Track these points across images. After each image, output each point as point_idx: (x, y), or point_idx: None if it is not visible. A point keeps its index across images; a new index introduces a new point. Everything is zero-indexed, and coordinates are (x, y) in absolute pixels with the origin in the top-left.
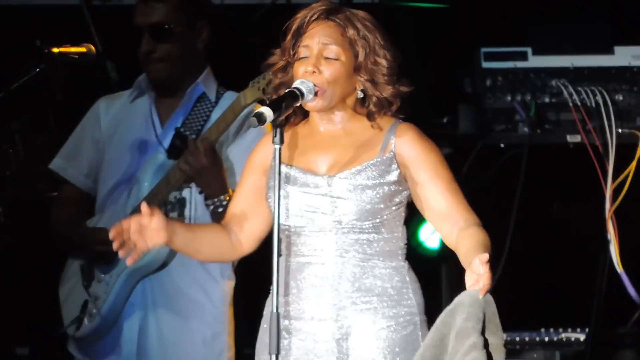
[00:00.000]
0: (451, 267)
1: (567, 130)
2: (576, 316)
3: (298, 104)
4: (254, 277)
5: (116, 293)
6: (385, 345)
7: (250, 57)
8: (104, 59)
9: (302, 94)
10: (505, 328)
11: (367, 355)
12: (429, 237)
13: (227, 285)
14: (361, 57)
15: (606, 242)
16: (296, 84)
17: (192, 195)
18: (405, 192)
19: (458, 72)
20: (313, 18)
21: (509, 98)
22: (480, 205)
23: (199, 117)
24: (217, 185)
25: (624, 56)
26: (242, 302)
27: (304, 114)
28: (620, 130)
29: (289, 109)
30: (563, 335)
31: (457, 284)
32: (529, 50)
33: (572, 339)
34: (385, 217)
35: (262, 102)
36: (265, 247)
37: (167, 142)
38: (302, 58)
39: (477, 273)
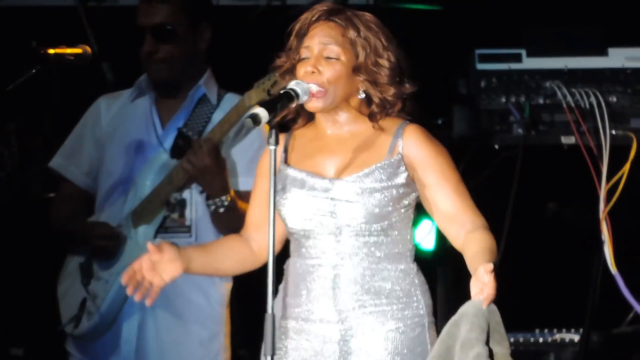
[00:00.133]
0: (446, 268)
1: (562, 131)
2: (570, 317)
3: (293, 105)
4: (250, 278)
5: (115, 292)
6: (393, 347)
7: (245, 58)
8: (100, 60)
9: (297, 95)
10: None
11: (375, 356)
12: (424, 239)
13: (225, 287)
14: (362, 58)
15: (600, 243)
16: (291, 85)
17: (193, 196)
18: (413, 194)
19: (452, 73)
20: (314, 19)
21: (503, 99)
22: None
23: (201, 119)
24: (219, 185)
25: (618, 58)
26: (238, 304)
27: (309, 116)
28: (614, 132)
29: (284, 110)
30: (557, 336)
31: (452, 285)
32: (523, 52)
33: (567, 340)
34: (393, 219)
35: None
36: None
37: (168, 143)
38: (303, 59)
39: (482, 282)
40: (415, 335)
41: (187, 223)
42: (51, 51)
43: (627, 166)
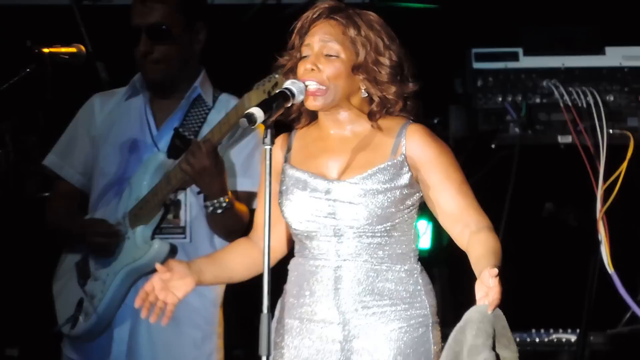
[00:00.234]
0: (441, 267)
1: (558, 130)
2: (567, 317)
3: (289, 105)
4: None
5: (113, 292)
6: (396, 347)
7: (240, 58)
8: (94, 59)
9: (293, 95)
10: None
11: (378, 357)
12: (420, 238)
13: (219, 287)
14: (362, 56)
15: (597, 243)
16: (287, 84)
17: (187, 197)
18: (417, 194)
19: (449, 72)
20: (315, 17)
21: (500, 99)
22: None
23: (196, 120)
24: (217, 186)
25: (615, 56)
26: (234, 304)
27: (312, 115)
28: (611, 131)
29: (279, 110)
30: (554, 336)
31: (448, 284)
32: (519, 50)
33: (564, 340)
34: (397, 220)
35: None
36: None
37: (162, 143)
38: (304, 57)
39: (487, 286)
40: (419, 335)
41: (182, 224)
42: (45, 50)
43: (624, 165)
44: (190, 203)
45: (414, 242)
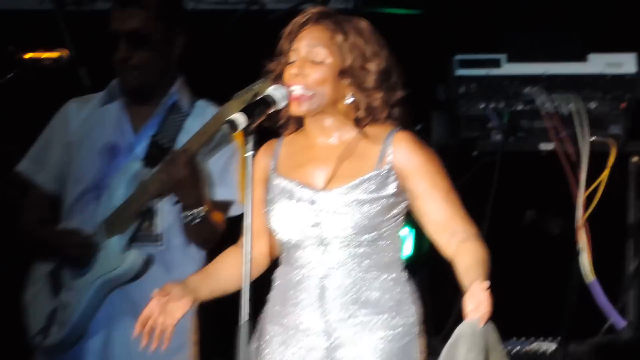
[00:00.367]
0: (423, 275)
1: (541, 138)
2: (548, 325)
3: (271, 111)
4: None
5: (88, 302)
6: (382, 355)
7: (223, 63)
8: (78, 64)
9: (276, 101)
10: None
11: None
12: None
13: None
14: (348, 62)
15: (578, 251)
16: (269, 90)
17: (163, 204)
18: (403, 203)
19: (431, 79)
20: (304, 22)
21: (482, 105)
22: None
23: (173, 127)
24: (195, 197)
25: (598, 64)
26: (213, 313)
27: (300, 121)
28: (593, 138)
29: (262, 116)
30: (534, 345)
31: (429, 292)
32: (502, 57)
33: (543, 348)
34: (383, 229)
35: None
36: None
37: (139, 150)
38: (291, 62)
39: (477, 299)
40: (405, 344)
41: (157, 231)
42: (28, 55)
43: (606, 173)
44: (166, 210)
45: (399, 250)
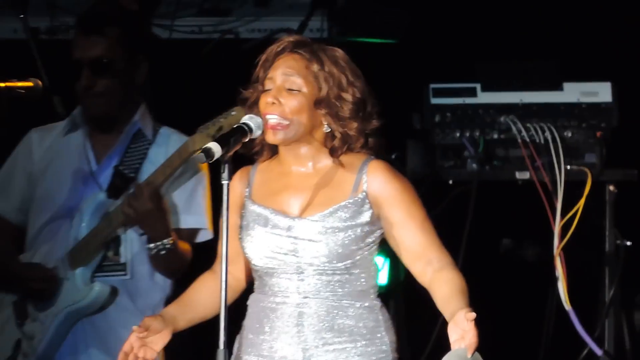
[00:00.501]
0: (399, 303)
1: (516, 166)
2: (524, 353)
3: (246, 139)
4: None
5: (53, 333)
6: None
7: (198, 92)
8: (51, 93)
9: (251, 129)
10: None
11: None
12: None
13: None
14: (324, 91)
15: (554, 279)
16: (245, 119)
17: (128, 233)
18: (378, 231)
19: (407, 107)
20: (279, 50)
21: (457, 134)
22: None
23: (137, 155)
24: (160, 228)
25: (573, 93)
26: (190, 340)
27: (274, 149)
28: (569, 167)
29: (237, 145)
30: None
31: (405, 320)
32: (477, 86)
33: None
34: (357, 257)
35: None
36: None
37: (103, 179)
38: (266, 90)
39: (463, 329)
40: None
41: (122, 260)
42: (1, 85)
43: (582, 202)
44: (131, 239)
45: (373, 278)
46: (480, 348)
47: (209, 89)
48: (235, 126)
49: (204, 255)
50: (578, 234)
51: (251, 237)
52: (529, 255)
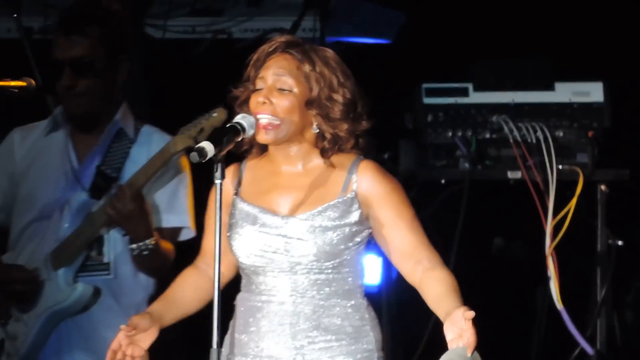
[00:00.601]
0: (391, 302)
1: (508, 166)
2: (516, 353)
3: (239, 139)
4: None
5: (36, 334)
6: None
7: (191, 92)
8: (44, 93)
9: (244, 129)
10: None
11: None
12: (368, 274)
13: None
14: (315, 92)
15: (546, 279)
16: (237, 118)
17: (111, 233)
18: (366, 231)
19: (399, 107)
20: (271, 50)
21: (450, 134)
22: None
23: (119, 155)
24: (143, 229)
25: (565, 92)
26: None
27: (263, 147)
28: (560, 167)
29: (230, 144)
30: None
31: (398, 319)
32: (470, 86)
33: None
34: (345, 257)
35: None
36: None
37: (85, 179)
38: (257, 90)
39: (460, 328)
40: None
41: (105, 260)
42: None
43: (574, 201)
44: (114, 239)
45: (360, 277)
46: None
47: (201, 88)
48: (228, 125)
49: (188, 254)
50: (570, 233)
51: (239, 235)
52: (520, 254)
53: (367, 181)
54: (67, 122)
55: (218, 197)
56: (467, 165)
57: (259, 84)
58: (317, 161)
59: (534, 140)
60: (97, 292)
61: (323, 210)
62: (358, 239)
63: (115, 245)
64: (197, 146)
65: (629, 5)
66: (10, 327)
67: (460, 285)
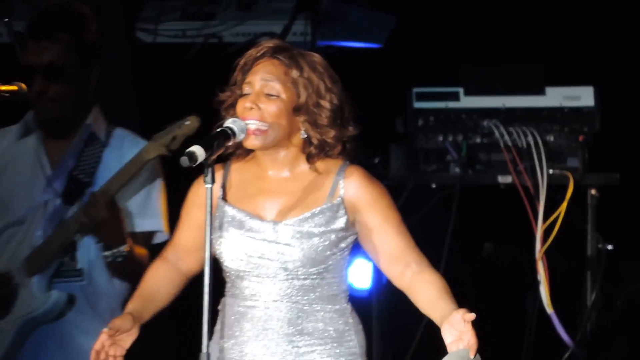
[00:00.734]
0: (381, 306)
1: (499, 170)
2: (507, 357)
3: (230, 143)
4: (186, 317)
5: (11, 341)
6: None
7: (182, 96)
8: None
9: (235, 133)
10: None
11: None
12: (359, 278)
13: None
14: (303, 98)
15: (536, 283)
16: (228, 122)
17: (84, 239)
18: (351, 236)
19: (390, 112)
20: (259, 55)
21: (440, 138)
22: None
23: (91, 159)
24: (116, 236)
25: (556, 97)
26: (172, 342)
27: (249, 150)
28: (551, 171)
29: (220, 148)
30: None
31: (388, 324)
32: (460, 90)
33: None
34: (330, 263)
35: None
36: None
37: (58, 185)
38: (244, 95)
39: (460, 330)
40: None
41: (79, 266)
42: None
43: (564, 205)
44: (87, 245)
45: (345, 282)
46: None
47: (192, 92)
48: (219, 130)
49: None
50: (560, 237)
51: (225, 239)
52: (511, 258)
53: (354, 187)
54: (39, 127)
55: (208, 201)
56: (457, 169)
57: (246, 89)
58: (304, 167)
59: (525, 145)
60: (71, 300)
61: (310, 217)
62: (343, 245)
63: (88, 251)
64: (187, 150)
65: (620, 10)
66: None
67: (451, 289)
